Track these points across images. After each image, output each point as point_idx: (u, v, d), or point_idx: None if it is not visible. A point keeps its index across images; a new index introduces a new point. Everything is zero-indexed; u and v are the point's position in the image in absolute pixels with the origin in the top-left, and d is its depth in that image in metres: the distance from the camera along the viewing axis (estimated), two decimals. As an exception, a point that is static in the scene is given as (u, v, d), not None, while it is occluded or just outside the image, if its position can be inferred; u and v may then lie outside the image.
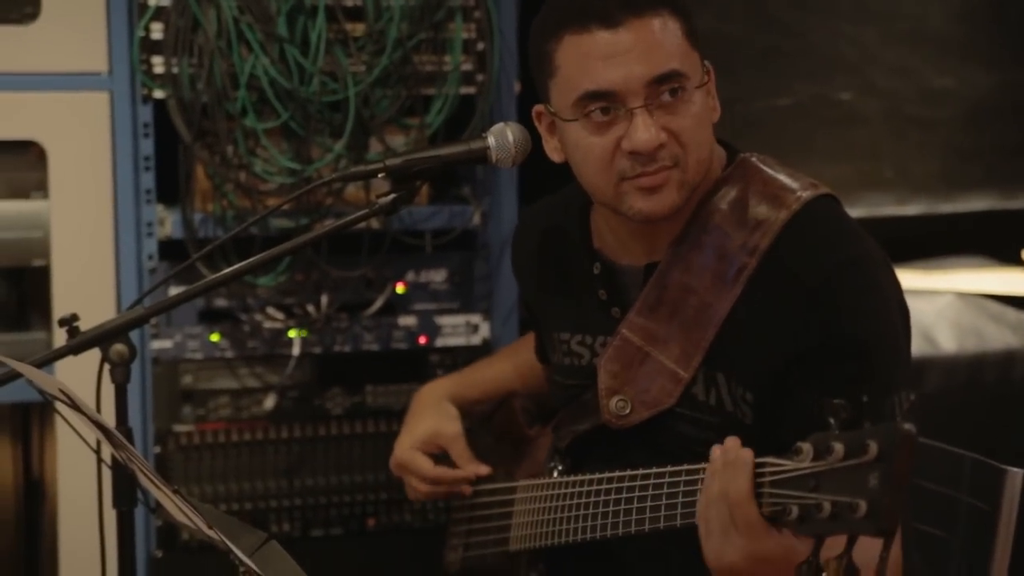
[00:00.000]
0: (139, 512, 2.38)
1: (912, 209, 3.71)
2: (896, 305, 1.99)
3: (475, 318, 3.16)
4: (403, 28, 2.98)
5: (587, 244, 2.14)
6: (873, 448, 1.48)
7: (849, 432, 1.52)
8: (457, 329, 3.17)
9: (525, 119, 2.98)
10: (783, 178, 2.03)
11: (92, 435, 2.00)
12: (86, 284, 2.96)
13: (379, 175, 2.08)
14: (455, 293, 3.18)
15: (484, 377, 2.50)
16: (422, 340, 3.16)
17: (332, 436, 3.11)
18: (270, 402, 3.09)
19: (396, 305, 3.15)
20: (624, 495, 1.95)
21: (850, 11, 3.61)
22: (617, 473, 1.98)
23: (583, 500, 2.05)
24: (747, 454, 1.68)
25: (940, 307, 3.54)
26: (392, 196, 2.08)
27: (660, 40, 1.91)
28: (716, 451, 1.72)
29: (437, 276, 3.17)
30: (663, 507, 1.88)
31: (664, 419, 2.01)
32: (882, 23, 3.63)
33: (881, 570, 1.48)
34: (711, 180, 2.03)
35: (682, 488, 1.85)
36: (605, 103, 1.92)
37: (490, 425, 2.49)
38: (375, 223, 3.02)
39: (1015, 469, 2.18)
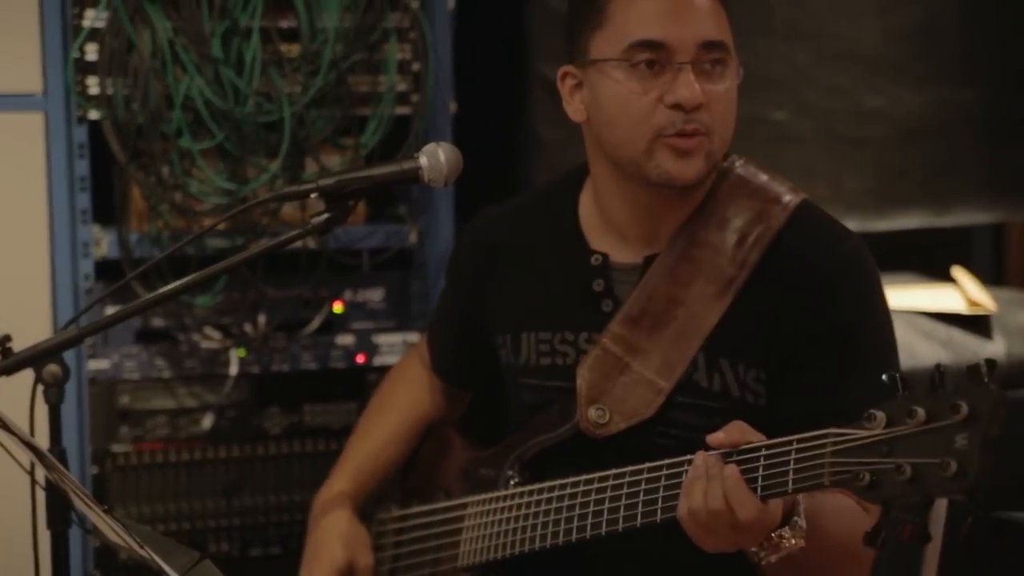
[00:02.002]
0: (76, 533, 2.38)
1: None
2: (883, 291, 2.08)
3: (413, 337, 3.18)
4: (338, 49, 3.00)
5: (578, 235, 2.15)
6: (964, 409, 1.53)
7: (934, 396, 1.56)
8: (395, 348, 3.18)
9: (461, 138, 3.02)
10: (767, 185, 2.09)
11: (25, 457, 2.00)
12: (21, 304, 2.96)
13: (312, 195, 2.07)
14: (392, 312, 3.20)
15: (373, 462, 2.42)
16: (360, 359, 3.17)
17: (270, 455, 3.12)
18: (208, 422, 3.10)
19: (334, 324, 3.16)
20: (594, 496, 1.97)
21: (783, 31, 3.64)
22: (584, 476, 1.99)
23: (551, 507, 2.05)
24: (730, 471, 1.73)
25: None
26: (325, 216, 2.09)
27: (715, 12, 2.00)
28: (699, 458, 1.77)
29: (374, 295, 3.19)
30: (640, 504, 1.90)
31: (642, 430, 2.04)
32: (814, 43, 3.66)
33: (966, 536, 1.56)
34: (710, 182, 2.08)
35: (644, 487, 1.88)
36: (653, 55, 1.97)
37: (416, 461, 2.44)
38: (311, 242, 3.04)
39: None
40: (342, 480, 2.40)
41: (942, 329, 3.62)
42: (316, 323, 3.14)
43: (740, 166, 2.12)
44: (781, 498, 1.76)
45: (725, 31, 2.01)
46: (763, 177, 2.10)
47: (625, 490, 1.92)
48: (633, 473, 1.92)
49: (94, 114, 2.95)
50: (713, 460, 1.77)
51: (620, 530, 1.93)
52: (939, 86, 3.81)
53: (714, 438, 1.80)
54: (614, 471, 1.95)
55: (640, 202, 2.07)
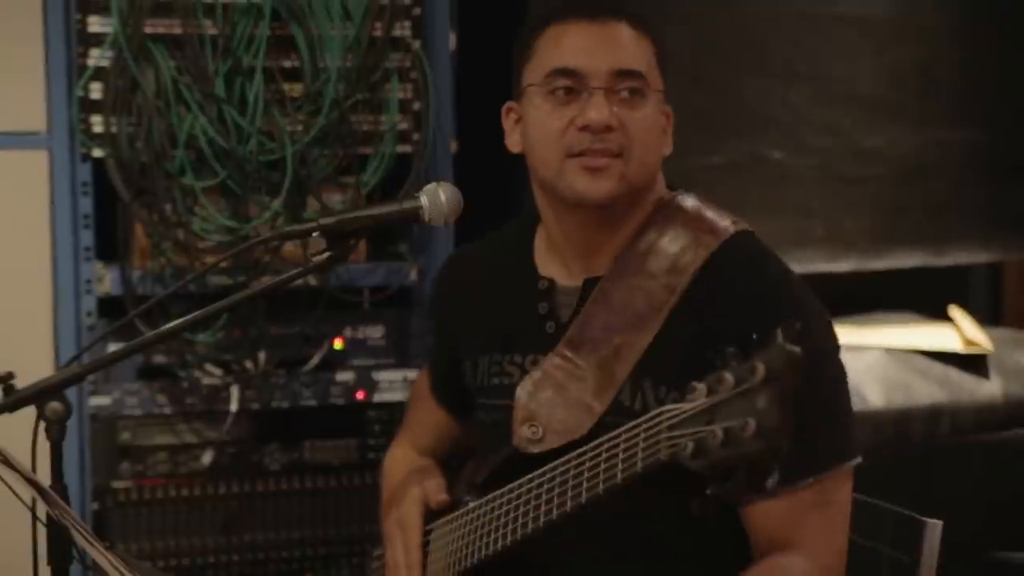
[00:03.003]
0: (77, 569, 2.38)
1: (843, 265, 3.77)
2: (822, 320, 2.06)
3: (412, 373, 3.19)
4: (340, 89, 3.03)
5: (530, 265, 2.21)
6: (760, 369, 1.58)
7: (739, 363, 1.62)
8: (394, 384, 3.20)
9: (461, 177, 3.04)
10: (708, 215, 2.12)
11: (27, 493, 2.01)
12: (24, 341, 2.98)
13: (314, 234, 2.09)
14: (392, 349, 3.22)
15: (426, 435, 2.48)
16: (360, 395, 3.18)
17: (270, 492, 3.13)
18: (208, 458, 3.11)
19: (334, 361, 3.18)
20: (534, 492, 2.00)
21: (782, 72, 3.68)
22: (526, 477, 2.03)
23: (496, 513, 2.09)
24: None
25: (869, 363, 3.59)
26: (327, 255, 2.11)
27: (631, 43, 2.08)
28: None
29: (374, 332, 3.21)
30: (569, 490, 1.93)
31: (574, 447, 2.02)
32: (813, 84, 3.70)
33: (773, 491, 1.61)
34: (647, 211, 2.13)
35: (604, 459, 1.89)
36: (570, 81, 2.06)
37: None
38: (312, 280, 3.06)
39: (934, 521, 2.22)
40: (404, 440, 2.47)
41: (939, 368, 3.63)
42: (316, 360, 3.15)
43: (684, 197, 2.17)
44: None
45: (644, 62, 2.08)
46: (706, 209, 2.15)
47: (571, 472, 1.95)
48: (575, 456, 1.95)
49: (98, 152, 2.97)
50: None
51: (566, 511, 1.95)
52: (936, 126, 3.85)
53: None
54: (550, 465, 1.98)
55: (573, 226, 2.14)
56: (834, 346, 2.08)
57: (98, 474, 3.04)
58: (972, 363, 3.65)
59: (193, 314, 2.09)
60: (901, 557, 2.20)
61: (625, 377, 2.06)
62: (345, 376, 3.18)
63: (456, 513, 2.21)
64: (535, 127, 2.11)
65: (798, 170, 3.72)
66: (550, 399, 2.11)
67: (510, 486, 2.08)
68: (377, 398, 3.19)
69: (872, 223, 3.81)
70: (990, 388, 3.60)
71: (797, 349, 1.58)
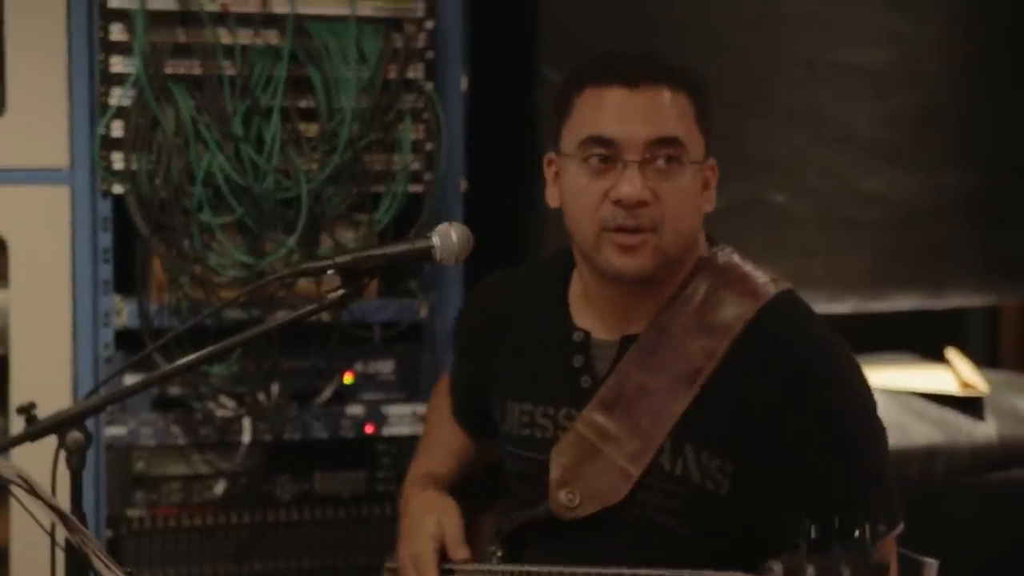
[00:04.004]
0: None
1: (842, 307, 3.79)
2: (862, 384, 2.09)
3: (421, 408, 3.24)
4: (354, 129, 3.09)
5: (566, 315, 2.20)
6: (847, 574, 1.59)
7: (822, 556, 1.61)
8: (403, 419, 3.25)
9: (471, 216, 3.11)
10: (748, 274, 2.12)
11: (46, 519, 2.07)
12: (44, 372, 3.04)
13: (329, 271, 2.14)
14: (402, 384, 3.27)
15: (443, 458, 2.48)
16: (369, 429, 3.23)
17: (281, 522, 3.18)
18: (220, 488, 3.16)
19: (344, 395, 3.23)
20: None
21: (783, 114, 3.71)
22: (559, 568, 2.05)
23: None
24: None
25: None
26: (341, 292, 2.15)
27: (669, 108, 2.04)
28: None
29: (385, 367, 3.26)
30: None
31: (611, 514, 2.08)
32: (813, 127, 3.73)
33: None
34: (688, 269, 2.12)
35: None
36: (605, 151, 2.04)
37: None
38: (325, 315, 3.11)
39: (930, 560, 2.25)
40: (424, 464, 2.45)
41: (935, 410, 3.66)
42: (327, 393, 3.21)
43: (724, 254, 2.15)
44: None
45: (682, 127, 2.05)
46: (746, 267, 2.14)
47: None
48: None
49: (118, 188, 3.04)
50: None
51: None
52: (935, 170, 3.87)
53: None
54: (597, 570, 2.00)
55: (611, 291, 2.13)
56: (875, 410, 2.09)
57: (112, 502, 3.09)
58: (968, 405, 3.68)
59: (209, 348, 2.14)
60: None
61: (661, 441, 2.06)
62: (355, 410, 3.23)
63: (483, 567, 2.23)
64: (571, 197, 2.09)
65: (799, 212, 3.74)
66: (584, 464, 2.10)
67: (543, 571, 2.08)
68: (386, 431, 3.24)
69: (871, 265, 3.83)
70: (985, 430, 3.63)
71: (885, 557, 1.59)
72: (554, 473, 2.13)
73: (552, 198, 2.17)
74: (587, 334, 2.17)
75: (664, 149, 2.03)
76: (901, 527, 2.06)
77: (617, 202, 2.03)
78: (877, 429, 2.08)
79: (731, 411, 2.03)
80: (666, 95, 2.04)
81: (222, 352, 2.18)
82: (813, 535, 1.64)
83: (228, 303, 2.77)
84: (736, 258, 2.15)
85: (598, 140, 2.05)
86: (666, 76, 2.06)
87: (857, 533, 1.62)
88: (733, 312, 2.07)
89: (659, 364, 2.09)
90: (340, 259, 2.14)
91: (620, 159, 2.04)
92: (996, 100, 3.93)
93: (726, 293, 2.09)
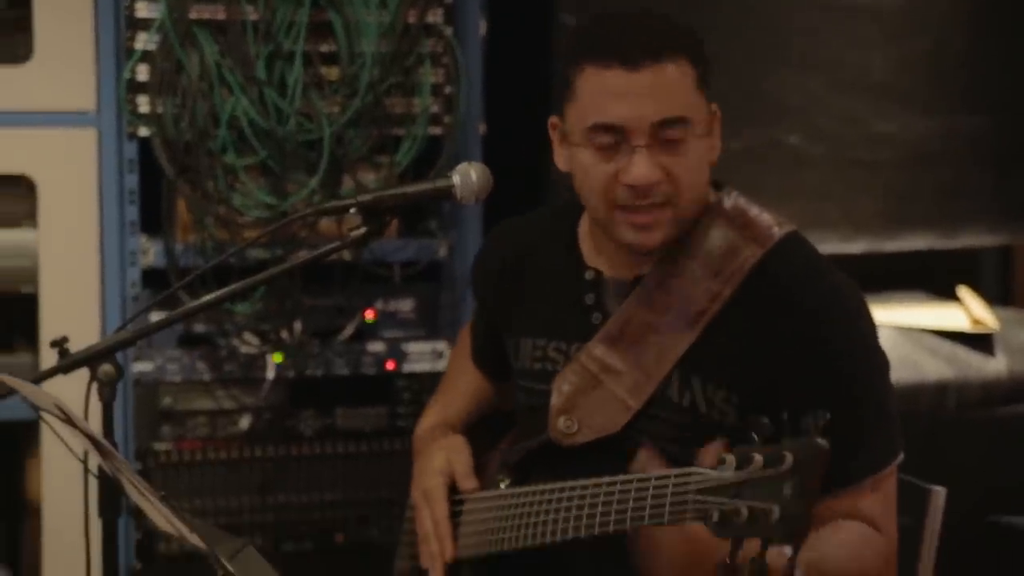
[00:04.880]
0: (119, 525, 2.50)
1: (856, 247, 3.82)
2: (869, 325, 2.11)
3: (440, 345, 3.31)
4: (375, 72, 3.14)
5: (578, 255, 2.24)
6: (789, 460, 1.64)
7: (769, 445, 1.68)
8: (423, 356, 3.31)
9: (490, 158, 3.15)
10: (754, 217, 2.13)
11: (79, 448, 2.14)
12: (72, 310, 3.11)
13: (351, 210, 2.18)
14: (422, 321, 3.34)
15: (458, 403, 2.54)
16: (390, 366, 3.30)
17: (304, 456, 3.25)
18: (245, 422, 3.23)
19: (366, 332, 3.30)
20: (564, 504, 2.07)
21: (798, 61, 3.73)
22: (559, 484, 2.09)
23: (527, 510, 2.16)
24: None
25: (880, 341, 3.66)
26: (363, 230, 2.18)
27: (672, 86, 2.02)
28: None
29: (405, 305, 3.33)
30: (598, 515, 2.00)
31: (609, 442, 2.13)
32: (828, 72, 3.76)
33: (790, 572, 1.64)
34: (697, 215, 2.14)
35: (633, 496, 1.95)
36: (611, 138, 2.04)
37: None
38: (347, 255, 3.16)
39: (938, 487, 2.32)
40: (438, 413, 2.51)
41: (947, 346, 3.69)
42: (349, 331, 3.28)
43: (730, 198, 2.17)
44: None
45: (685, 101, 2.03)
46: (752, 210, 2.16)
47: (601, 499, 2.01)
48: (607, 484, 2.00)
49: (144, 131, 3.10)
50: None
51: (594, 534, 2.02)
52: (948, 112, 3.89)
53: None
54: (583, 481, 2.04)
55: (625, 250, 2.15)
56: (879, 348, 2.11)
57: (140, 436, 3.17)
58: (979, 341, 3.71)
59: (233, 286, 2.19)
60: (906, 521, 2.30)
61: (663, 375, 2.10)
62: (376, 347, 3.30)
63: (490, 493, 2.29)
64: (581, 176, 2.09)
65: (813, 155, 3.76)
66: (586, 394, 2.15)
67: (546, 488, 2.12)
68: (406, 368, 3.31)
69: (884, 206, 3.85)
70: (996, 365, 3.66)
71: (825, 444, 1.63)
72: (555, 400, 2.18)
73: (562, 164, 2.17)
74: (599, 273, 2.22)
75: (671, 129, 2.03)
76: (901, 457, 2.11)
77: (629, 186, 2.04)
78: (880, 365, 2.12)
79: (737, 347, 2.07)
80: (668, 71, 2.02)
81: (246, 289, 2.22)
82: (765, 432, 1.69)
83: (252, 242, 2.82)
84: (742, 201, 2.17)
85: (604, 128, 2.05)
86: (666, 47, 2.03)
87: (803, 426, 1.67)
88: (739, 255, 2.10)
89: (665, 303, 2.13)
90: (362, 198, 2.18)
91: (628, 143, 2.04)
92: (1007, 43, 3.94)
93: (732, 236, 2.12)
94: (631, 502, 1.92)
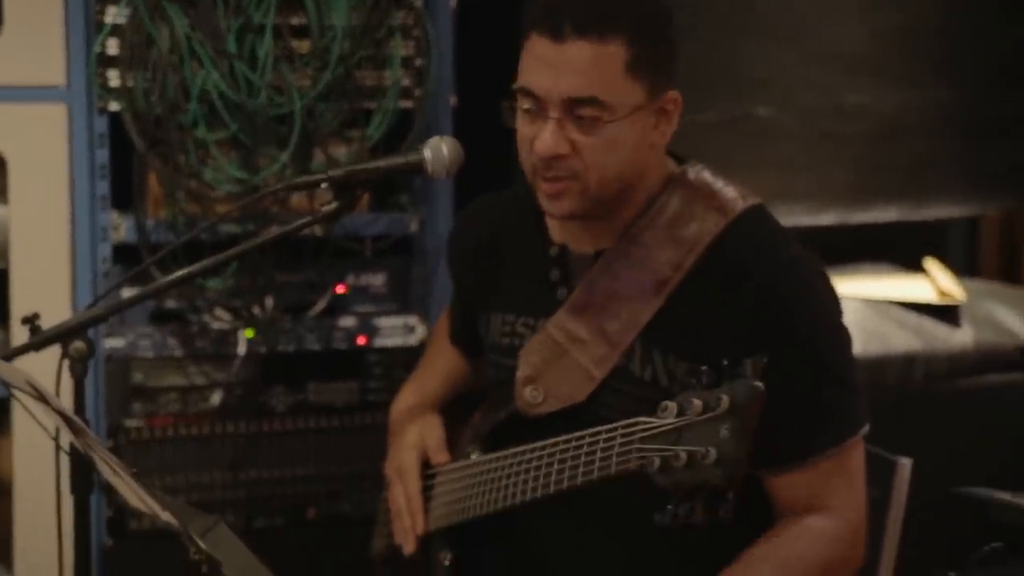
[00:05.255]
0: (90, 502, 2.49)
1: (825, 219, 3.84)
2: (831, 299, 2.13)
3: (412, 320, 3.32)
4: (345, 45, 3.14)
5: (543, 230, 2.25)
6: (726, 401, 1.67)
7: (708, 390, 1.71)
8: (395, 330, 3.32)
9: (461, 131, 3.15)
10: (718, 190, 2.15)
11: (51, 425, 2.14)
12: (43, 285, 3.10)
13: (322, 185, 2.18)
14: (393, 296, 3.34)
15: (434, 383, 2.57)
16: (361, 340, 3.30)
17: (275, 431, 3.25)
18: (216, 398, 3.23)
19: (337, 307, 3.30)
20: (524, 467, 2.10)
21: (769, 32, 3.73)
22: (521, 448, 2.13)
23: (494, 475, 2.19)
24: None
25: (847, 313, 3.68)
26: (335, 205, 2.19)
27: (589, 66, 2.02)
28: None
29: (376, 280, 3.33)
30: (554, 473, 2.03)
31: (575, 412, 2.15)
32: (799, 43, 3.76)
33: (725, 515, 1.68)
34: (651, 191, 2.15)
35: (584, 452, 1.98)
36: (531, 104, 2.07)
37: None
38: (318, 230, 3.15)
39: (904, 459, 2.34)
40: (413, 394, 2.54)
41: (913, 318, 3.71)
42: (321, 306, 3.28)
43: (694, 171, 2.18)
44: None
45: (602, 83, 2.02)
46: (716, 183, 2.16)
47: (556, 457, 2.04)
48: (563, 442, 2.04)
49: (114, 105, 3.08)
50: None
51: (550, 493, 2.06)
52: (918, 85, 3.89)
53: None
54: (541, 443, 2.08)
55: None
56: (840, 321, 2.13)
57: (112, 413, 3.17)
58: (945, 313, 3.74)
59: (205, 261, 2.20)
60: (875, 493, 2.33)
61: (626, 345, 2.12)
62: (348, 322, 3.30)
63: (460, 464, 2.32)
64: (517, 133, 2.12)
65: (784, 127, 3.76)
66: (551, 364, 2.18)
67: (509, 452, 2.16)
68: (378, 343, 3.31)
69: (855, 178, 3.86)
70: (962, 336, 3.69)
71: (761, 385, 1.66)
72: (521, 371, 2.21)
73: (511, 121, 2.17)
74: (563, 248, 2.23)
75: (582, 108, 2.03)
76: (865, 429, 2.12)
77: (534, 152, 2.08)
78: (841, 338, 2.13)
79: (698, 320, 2.09)
80: (588, 50, 2.02)
81: (217, 265, 2.23)
82: (705, 380, 1.72)
83: (223, 217, 2.82)
84: (706, 175, 2.18)
85: (526, 92, 2.07)
86: (596, 25, 2.02)
87: (740, 370, 1.70)
88: (701, 226, 2.11)
89: (628, 274, 2.14)
90: (334, 173, 2.18)
91: (543, 113, 2.06)
92: (978, 14, 3.95)
93: (696, 208, 2.13)
94: (583, 457, 1.94)
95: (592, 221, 2.16)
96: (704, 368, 1.72)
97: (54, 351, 2.15)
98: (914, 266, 4.05)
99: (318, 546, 3.27)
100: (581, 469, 1.94)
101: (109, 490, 2.92)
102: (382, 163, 2.23)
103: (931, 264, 4.03)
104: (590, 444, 1.93)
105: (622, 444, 1.85)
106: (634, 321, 2.12)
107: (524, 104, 2.08)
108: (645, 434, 1.79)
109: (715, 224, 2.11)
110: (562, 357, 2.18)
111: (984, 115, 4.01)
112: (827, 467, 2.07)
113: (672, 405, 1.74)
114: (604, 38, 2.02)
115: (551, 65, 2.03)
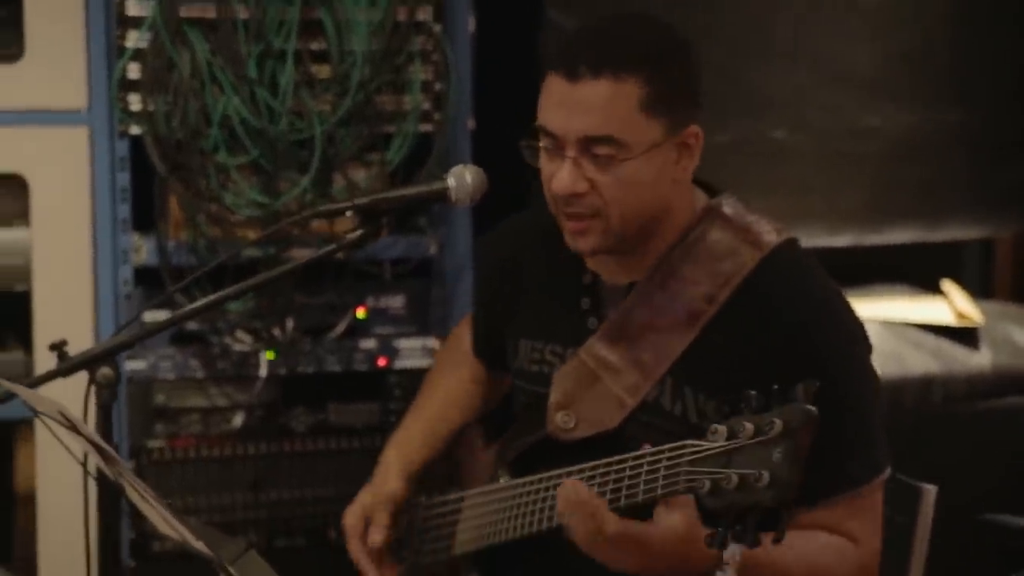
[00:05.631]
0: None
1: (841, 240, 3.85)
2: (860, 338, 2.13)
3: (431, 341, 3.34)
4: (366, 71, 3.15)
5: (574, 257, 2.23)
6: (778, 426, 1.68)
7: (758, 414, 1.72)
8: (414, 351, 3.34)
9: (479, 154, 3.17)
10: (752, 223, 2.16)
11: (78, 449, 2.15)
12: (66, 308, 3.13)
13: (348, 212, 2.21)
14: (413, 318, 3.35)
15: (425, 430, 2.55)
16: (381, 362, 3.32)
17: (296, 452, 3.27)
18: (238, 420, 3.26)
19: (357, 329, 3.32)
20: (543, 492, 2.11)
21: (784, 54, 3.75)
22: (556, 471, 2.12)
23: (524, 500, 2.20)
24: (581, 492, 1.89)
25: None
26: (360, 232, 2.23)
27: (605, 104, 2.03)
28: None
29: (395, 302, 3.35)
30: (608, 493, 2.00)
31: (606, 439, 2.16)
32: (813, 65, 3.78)
33: (780, 538, 1.68)
34: (683, 224, 2.16)
35: (628, 475, 1.98)
36: (549, 143, 2.09)
37: (447, 458, 2.58)
38: (338, 253, 3.18)
39: (929, 486, 2.35)
40: (396, 441, 2.54)
41: (931, 340, 3.72)
42: (341, 328, 3.30)
43: (728, 204, 2.19)
44: (665, 526, 1.90)
45: (618, 121, 2.03)
46: (749, 217, 2.18)
47: (598, 479, 2.02)
48: (604, 465, 2.03)
49: (135, 129, 3.10)
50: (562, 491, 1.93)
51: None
52: (932, 106, 3.91)
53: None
54: (580, 466, 2.06)
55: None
56: (869, 362, 2.13)
57: (134, 434, 3.19)
58: (963, 335, 3.74)
59: (233, 287, 2.21)
60: (900, 519, 2.34)
61: (659, 376, 2.13)
62: (368, 344, 3.32)
63: (489, 488, 2.33)
64: (540, 171, 2.14)
65: (798, 148, 3.78)
66: (584, 390, 2.19)
67: (541, 476, 2.16)
68: (398, 364, 3.33)
69: (869, 199, 3.87)
70: (980, 359, 3.70)
71: (814, 410, 1.67)
72: (554, 396, 2.22)
73: None
74: (596, 276, 2.24)
75: (598, 146, 2.05)
76: (885, 475, 2.13)
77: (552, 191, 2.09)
78: (868, 381, 2.13)
79: (728, 357, 2.09)
80: (602, 90, 2.03)
81: (245, 291, 2.26)
82: (754, 404, 1.73)
83: (250, 244, 2.83)
84: (741, 207, 2.19)
85: (544, 131, 2.09)
86: (610, 65, 2.03)
87: (792, 395, 1.71)
88: (736, 260, 2.12)
89: (662, 305, 2.15)
90: (360, 201, 2.21)
91: (560, 151, 2.07)
92: (990, 37, 3.97)
93: (731, 239, 2.14)
94: (626, 480, 1.94)
95: (623, 254, 2.17)
96: (754, 393, 1.73)
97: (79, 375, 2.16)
98: (929, 288, 4.06)
99: (338, 566, 3.25)
100: (624, 492, 1.93)
101: (134, 513, 2.94)
102: (407, 192, 2.26)
103: (948, 286, 4.04)
104: (633, 467, 1.92)
105: (668, 467, 1.85)
106: (667, 352, 2.13)
107: (543, 142, 2.10)
108: (694, 457, 1.79)
109: (750, 258, 2.12)
110: (595, 384, 2.19)
111: (997, 136, 4.02)
112: (848, 505, 2.08)
113: (722, 428, 1.75)
114: (619, 77, 2.04)
115: (566, 105, 2.06)
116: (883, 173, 3.89)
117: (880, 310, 3.80)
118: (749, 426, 1.71)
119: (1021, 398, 3.66)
